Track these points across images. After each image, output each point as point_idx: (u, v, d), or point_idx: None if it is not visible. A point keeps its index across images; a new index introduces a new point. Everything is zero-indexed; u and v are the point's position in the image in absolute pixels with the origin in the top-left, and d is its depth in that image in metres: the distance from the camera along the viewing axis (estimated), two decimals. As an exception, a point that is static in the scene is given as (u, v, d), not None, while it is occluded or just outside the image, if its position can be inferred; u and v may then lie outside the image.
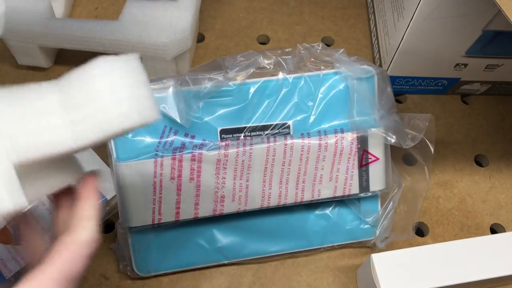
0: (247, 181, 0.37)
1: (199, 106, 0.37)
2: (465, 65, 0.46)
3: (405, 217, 0.41)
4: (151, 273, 0.39)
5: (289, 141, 0.36)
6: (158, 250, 0.39)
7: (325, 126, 0.39)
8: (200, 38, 0.53)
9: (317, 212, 0.41)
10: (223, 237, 0.40)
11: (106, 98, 0.22)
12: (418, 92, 0.51)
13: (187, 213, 0.37)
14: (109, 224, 0.43)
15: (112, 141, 0.36)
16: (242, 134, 0.38)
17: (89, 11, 0.54)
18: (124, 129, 0.22)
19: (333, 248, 0.42)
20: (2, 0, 0.43)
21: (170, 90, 0.36)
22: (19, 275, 0.39)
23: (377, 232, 0.40)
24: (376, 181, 0.39)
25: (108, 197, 0.42)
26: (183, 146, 0.36)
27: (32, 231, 0.27)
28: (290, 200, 0.38)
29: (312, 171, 0.37)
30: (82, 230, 0.24)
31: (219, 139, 0.37)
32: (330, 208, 0.41)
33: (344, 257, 0.42)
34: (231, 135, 0.38)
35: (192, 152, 0.35)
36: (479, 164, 0.48)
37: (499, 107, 0.51)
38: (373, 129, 0.38)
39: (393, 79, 0.48)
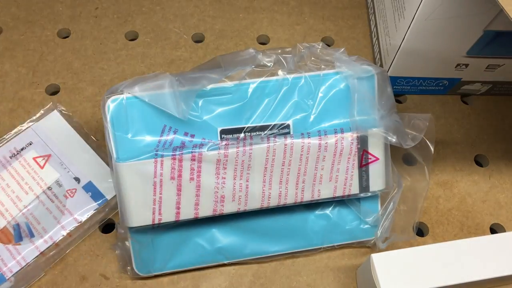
0: (247, 181, 0.37)
1: (198, 103, 0.37)
2: (466, 65, 0.46)
3: (405, 217, 0.41)
4: (151, 273, 0.39)
5: (289, 141, 0.36)
6: (158, 250, 0.39)
7: (325, 125, 0.39)
8: (200, 38, 0.53)
9: (317, 212, 0.41)
10: (223, 237, 0.40)
11: None
12: (419, 93, 0.51)
13: (187, 213, 0.37)
14: (109, 224, 0.43)
15: (112, 141, 0.36)
16: (242, 134, 0.38)
17: (89, 11, 0.54)
18: None
19: (333, 248, 0.42)
20: None
21: (167, 86, 0.36)
22: (19, 275, 0.39)
23: (378, 233, 0.40)
24: (376, 181, 0.39)
25: (108, 197, 0.42)
26: (182, 145, 0.36)
27: None
28: (290, 200, 0.38)
29: (312, 171, 0.37)
30: None
31: (219, 138, 0.37)
32: (330, 208, 0.41)
33: (344, 257, 0.42)
34: (231, 135, 0.38)
35: (192, 152, 0.35)
36: (479, 164, 0.48)
37: (499, 107, 0.51)
38: (373, 129, 0.38)
39: (394, 80, 0.48)
